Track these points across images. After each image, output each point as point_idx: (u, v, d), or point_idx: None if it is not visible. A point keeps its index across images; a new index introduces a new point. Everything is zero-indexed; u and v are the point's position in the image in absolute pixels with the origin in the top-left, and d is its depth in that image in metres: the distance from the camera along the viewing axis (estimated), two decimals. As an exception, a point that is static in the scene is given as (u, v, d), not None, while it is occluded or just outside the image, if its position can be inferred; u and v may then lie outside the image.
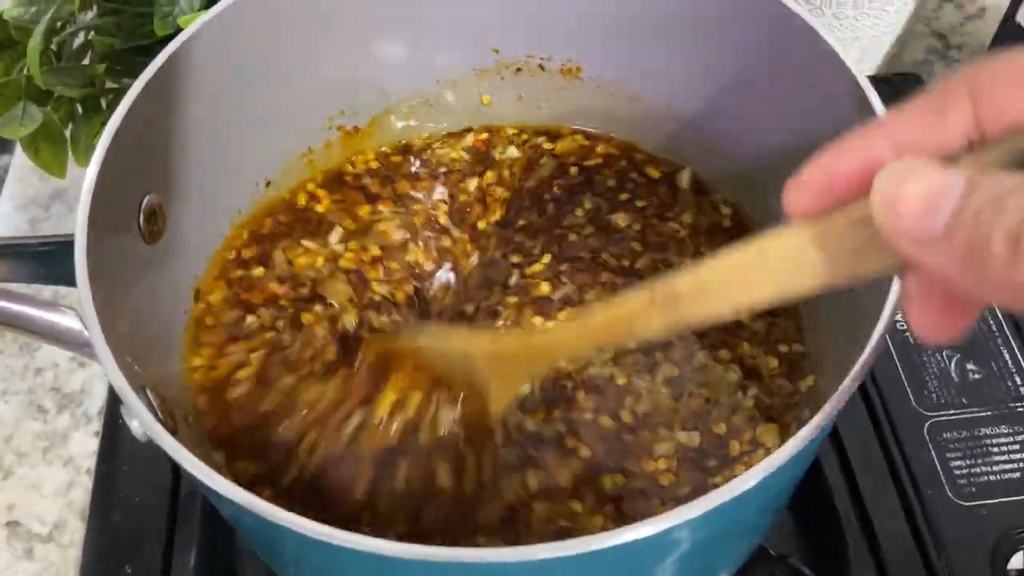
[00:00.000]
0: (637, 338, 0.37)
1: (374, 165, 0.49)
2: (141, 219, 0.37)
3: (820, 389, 0.39)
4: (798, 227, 0.24)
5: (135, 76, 0.49)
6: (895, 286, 0.30)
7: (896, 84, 0.57)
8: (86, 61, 0.50)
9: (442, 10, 0.45)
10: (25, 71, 0.47)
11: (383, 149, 0.50)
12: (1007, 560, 0.39)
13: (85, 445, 0.50)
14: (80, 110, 0.50)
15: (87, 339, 0.31)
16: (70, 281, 0.35)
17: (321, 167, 0.48)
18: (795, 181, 0.23)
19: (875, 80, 0.39)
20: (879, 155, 0.22)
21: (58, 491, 0.48)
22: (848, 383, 0.28)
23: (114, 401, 0.49)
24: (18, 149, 0.64)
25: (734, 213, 0.46)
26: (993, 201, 0.18)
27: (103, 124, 0.49)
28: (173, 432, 0.29)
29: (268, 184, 0.47)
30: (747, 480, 0.26)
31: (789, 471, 0.30)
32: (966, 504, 0.40)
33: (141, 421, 0.29)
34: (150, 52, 0.49)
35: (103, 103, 0.51)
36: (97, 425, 0.50)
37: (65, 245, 0.37)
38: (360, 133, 0.49)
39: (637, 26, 0.44)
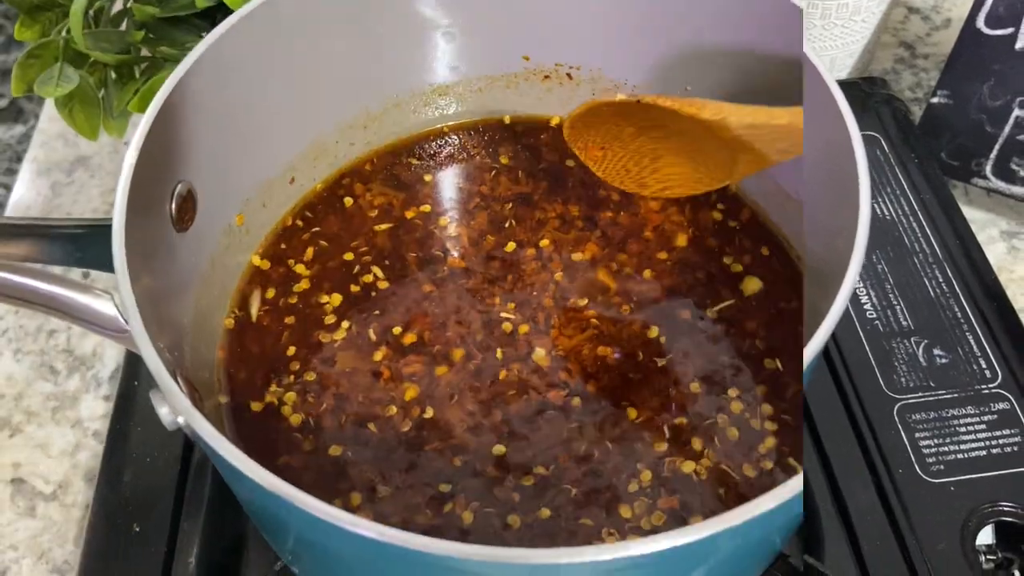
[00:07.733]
0: None
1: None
2: (173, 206, 0.37)
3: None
4: None
5: (171, 46, 0.50)
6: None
7: (863, 88, 0.57)
8: (122, 28, 0.50)
9: (477, 17, 0.46)
10: (64, 33, 0.47)
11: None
12: (975, 534, 0.40)
13: (94, 408, 0.50)
14: (113, 76, 0.51)
15: (122, 325, 0.31)
16: (101, 264, 0.35)
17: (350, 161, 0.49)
18: None
19: (843, 84, 0.42)
20: None
21: (64, 452, 0.49)
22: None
23: (130, 363, 0.49)
24: (44, 114, 0.64)
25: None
26: None
27: (135, 92, 0.50)
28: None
29: (291, 181, 0.47)
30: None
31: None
32: (936, 481, 0.42)
33: (177, 407, 0.29)
34: (188, 23, 0.49)
35: (136, 71, 0.51)
36: (107, 389, 0.51)
37: (95, 228, 0.37)
38: (387, 127, 0.50)
39: (662, 38, 0.45)
